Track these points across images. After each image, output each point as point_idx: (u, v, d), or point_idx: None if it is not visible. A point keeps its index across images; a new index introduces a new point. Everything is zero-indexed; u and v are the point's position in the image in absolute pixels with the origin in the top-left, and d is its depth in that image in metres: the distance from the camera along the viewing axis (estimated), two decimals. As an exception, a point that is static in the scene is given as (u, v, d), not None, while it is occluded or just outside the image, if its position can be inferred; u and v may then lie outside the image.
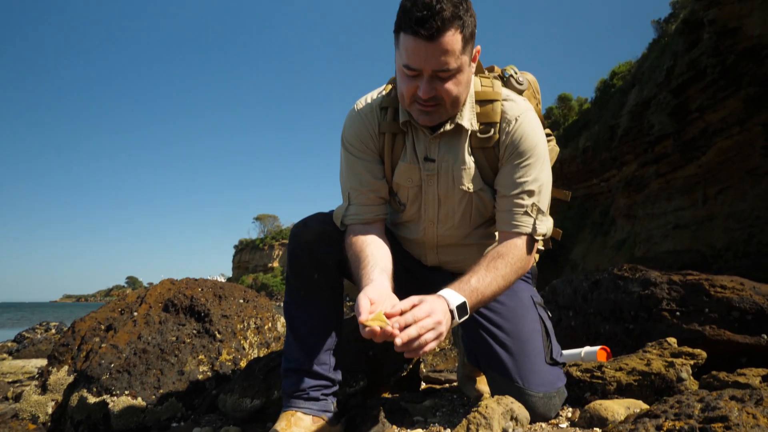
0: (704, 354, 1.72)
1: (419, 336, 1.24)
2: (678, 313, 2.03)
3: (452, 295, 1.41)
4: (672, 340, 1.85)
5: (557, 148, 2.06)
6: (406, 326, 1.23)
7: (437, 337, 1.28)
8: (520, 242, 1.62)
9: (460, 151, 1.67)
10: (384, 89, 1.76)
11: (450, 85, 1.50)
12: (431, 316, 1.28)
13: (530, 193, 1.64)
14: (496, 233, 1.83)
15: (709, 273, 2.21)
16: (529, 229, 1.63)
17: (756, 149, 9.57)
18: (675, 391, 1.59)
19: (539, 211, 1.64)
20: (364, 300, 1.29)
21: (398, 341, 1.21)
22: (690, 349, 1.73)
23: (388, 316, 1.24)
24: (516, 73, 1.84)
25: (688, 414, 1.11)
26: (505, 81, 1.82)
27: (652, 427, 1.09)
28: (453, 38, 1.42)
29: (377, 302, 1.30)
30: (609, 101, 15.99)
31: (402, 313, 1.26)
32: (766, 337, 1.88)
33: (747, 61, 8.91)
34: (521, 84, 1.82)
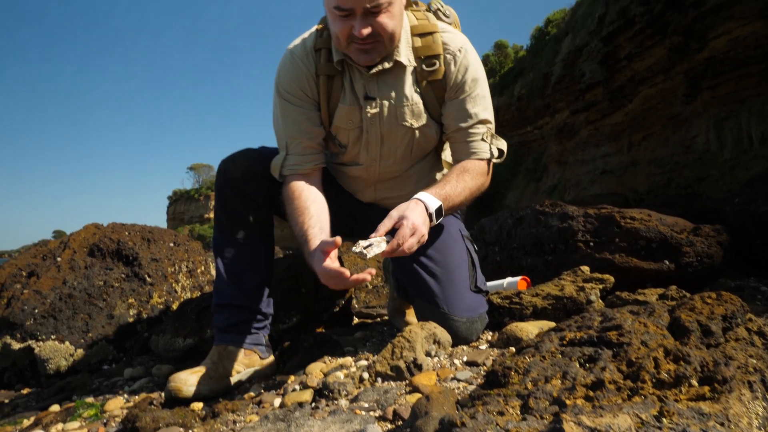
0: (612, 279, 1.86)
1: (408, 248, 1.40)
2: (592, 244, 2.17)
3: (430, 200, 1.52)
4: (585, 268, 1.97)
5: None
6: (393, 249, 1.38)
7: (419, 241, 1.44)
8: (482, 163, 1.72)
9: (401, 87, 1.68)
10: (316, 30, 1.72)
11: (384, 19, 1.50)
12: (415, 233, 1.42)
13: (483, 122, 1.72)
14: (438, 167, 1.91)
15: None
16: (487, 155, 1.72)
17: (677, 97, 10.00)
18: (585, 311, 1.72)
19: (492, 135, 1.74)
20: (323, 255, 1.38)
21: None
22: (600, 275, 1.87)
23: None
24: (442, 6, 1.85)
25: (588, 326, 1.21)
26: (433, 13, 1.82)
27: (556, 338, 1.18)
28: None
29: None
30: (543, 49, 16.19)
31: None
32: (668, 263, 2.04)
33: (672, 10, 9.18)
34: (448, 17, 1.84)
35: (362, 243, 1.34)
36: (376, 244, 1.36)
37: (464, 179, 1.66)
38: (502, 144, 1.77)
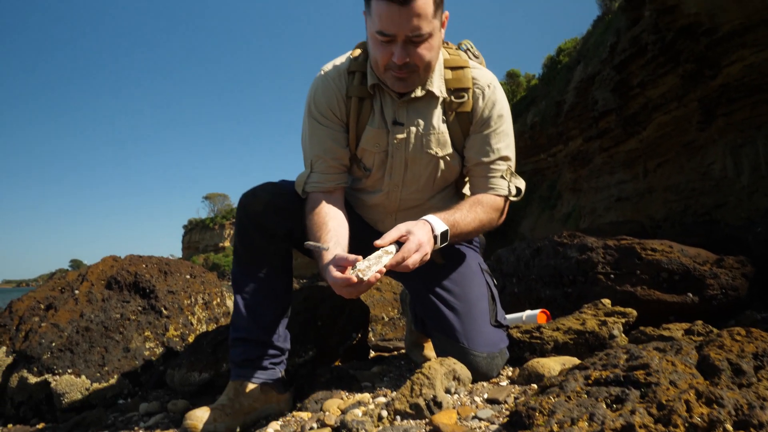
0: (635, 312, 1.82)
1: (411, 263, 1.40)
2: (612, 276, 2.14)
3: (437, 222, 1.54)
4: (606, 301, 1.94)
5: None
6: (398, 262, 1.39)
7: (422, 259, 1.44)
8: (498, 199, 1.74)
9: (430, 116, 1.71)
10: (351, 54, 1.75)
11: (423, 50, 1.54)
12: (419, 249, 1.42)
13: (505, 159, 1.74)
14: (459, 201, 1.90)
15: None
16: (505, 192, 1.74)
17: (692, 124, 9.96)
18: (607, 347, 1.68)
19: (512, 173, 1.76)
20: (335, 268, 1.39)
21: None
22: (622, 309, 1.83)
23: (378, 246, 1.41)
24: (472, 47, 1.89)
25: (614, 364, 1.18)
26: (464, 52, 1.86)
27: (581, 377, 1.15)
28: (425, 2, 1.46)
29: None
30: (555, 77, 16.27)
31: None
32: (691, 295, 2.00)
33: (684, 38, 9.21)
34: (477, 57, 1.87)
35: (359, 265, 1.34)
36: (375, 262, 1.37)
37: (476, 211, 1.67)
38: (521, 183, 1.78)
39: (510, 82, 20.96)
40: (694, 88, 9.10)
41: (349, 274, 1.33)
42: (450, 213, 1.61)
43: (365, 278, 1.32)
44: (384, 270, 1.37)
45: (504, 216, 1.78)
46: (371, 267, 1.35)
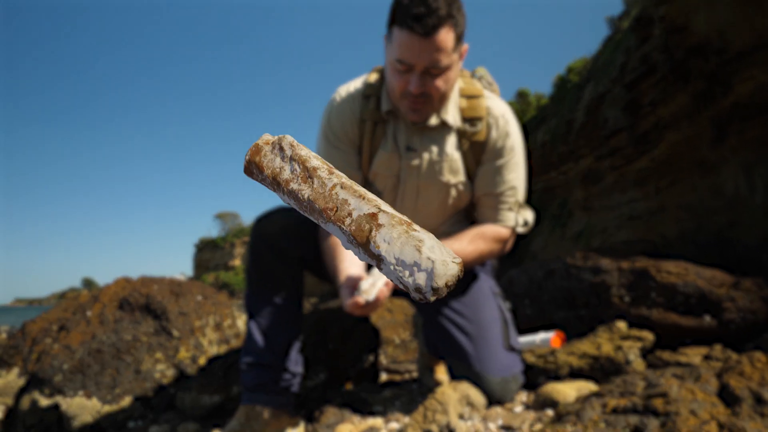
0: (651, 337, 1.80)
1: None
2: (627, 298, 2.11)
3: None
4: (621, 324, 1.91)
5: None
6: None
7: None
8: (504, 231, 1.74)
9: (443, 143, 1.71)
10: (367, 78, 1.77)
11: (440, 82, 1.55)
12: None
13: (514, 191, 1.75)
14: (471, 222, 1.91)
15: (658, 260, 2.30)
16: (512, 224, 1.75)
17: (704, 142, 9.87)
18: (623, 372, 1.65)
19: (520, 205, 1.76)
20: (347, 290, 1.43)
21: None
22: (638, 332, 1.80)
23: None
24: (486, 74, 1.90)
25: (631, 392, 1.16)
26: (478, 80, 1.87)
27: (598, 405, 1.13)
28: (446, 36, 1.46)
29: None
30: (565, 96, 16.26)
31: None
32: (708, 318, 1.97)
33: (695, 57, 9.18)
34: (491, 84, 1.89)
35: (363, 286, 1.36)
36: (378, 276, 1.39)
37: (477, 242, 1.68)
38: (529, 215, 1.79)
39: (520, 101, 20.97)
40: (705, 106, 9.06)
41: (356, 296, 1.36)
42: (449, 243, 1.62)
43: (370, 298, 1.34)
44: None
45: (509, 246, 1.79)
46: (375, 284, 1.38)
